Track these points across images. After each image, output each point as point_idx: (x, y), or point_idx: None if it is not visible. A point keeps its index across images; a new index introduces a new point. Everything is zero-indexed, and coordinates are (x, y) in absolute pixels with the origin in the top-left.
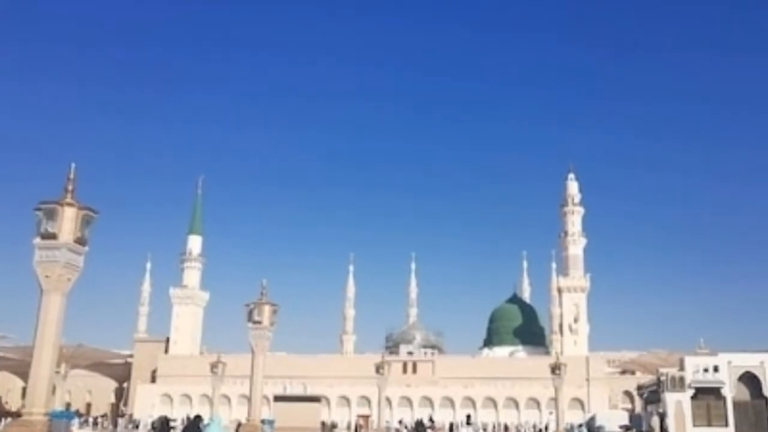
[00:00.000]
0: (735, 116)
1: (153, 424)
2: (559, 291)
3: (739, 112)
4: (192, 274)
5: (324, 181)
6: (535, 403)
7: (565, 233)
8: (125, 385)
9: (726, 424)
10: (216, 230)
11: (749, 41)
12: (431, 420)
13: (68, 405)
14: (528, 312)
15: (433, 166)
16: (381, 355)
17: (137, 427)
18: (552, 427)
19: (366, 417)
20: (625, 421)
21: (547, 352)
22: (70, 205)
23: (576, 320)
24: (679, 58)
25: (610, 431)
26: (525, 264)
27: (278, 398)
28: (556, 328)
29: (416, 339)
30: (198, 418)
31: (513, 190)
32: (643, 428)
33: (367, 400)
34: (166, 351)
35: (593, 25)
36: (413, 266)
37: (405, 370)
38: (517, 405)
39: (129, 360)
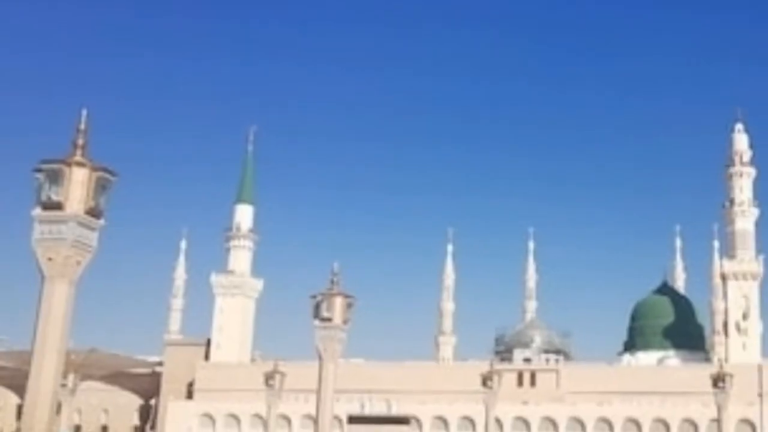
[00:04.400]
0: None
1: None
2: (723, 278)
3: None
4: (240, 256)
5: (413, 133)
6: (692, 425)
7: (731, 202)
8: (153, 401)
9: None
10: (272, 198)
11: None
12: None
13: (78, 428)
14: (682, 306)
15: (557, 115)
16: (489, 363)
17: None
18: None
19: None
20: None
21: (708, 359)
22: (80, 164)
23: (745, 317)
24: None
25: None
26: (678, 243)
27: (354, 419)
28: (719, 327)
29: (535, 342)
30: None
31: (661, 146)
32: None
33: (470, 422)
34: (207, 357)
35: None
36: (531, 246)
37: (521, 383)
38: (668, 428)
39: (158, 369)
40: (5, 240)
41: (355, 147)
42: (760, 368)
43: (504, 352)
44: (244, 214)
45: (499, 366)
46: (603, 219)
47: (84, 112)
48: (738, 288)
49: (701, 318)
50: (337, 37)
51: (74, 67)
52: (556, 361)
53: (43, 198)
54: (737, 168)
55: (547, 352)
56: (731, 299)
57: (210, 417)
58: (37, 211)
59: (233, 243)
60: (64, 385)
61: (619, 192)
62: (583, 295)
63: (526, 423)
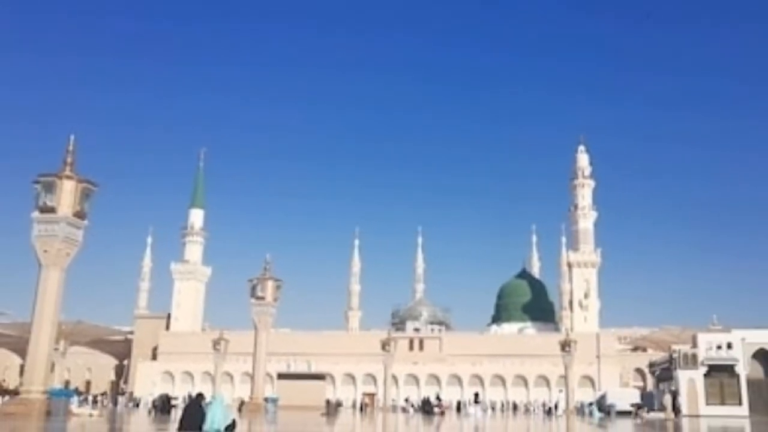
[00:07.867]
0: (752, 87)
1: (154, 402)
2: (569, 266)
3: (756, 82)
4: (194, 249)
5: (329, 154)
6: (545, 380)
7: (575, 207)
8: (125, 362)
9: (740, 403)
10: (218, 204)
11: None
12: (438, 398)
13: (67, 383)
14: (537, 288)
15: (440, 139)
16: (387, 332)
17: (138, 405)
18: (562, 405)
19: (372, 395)
20: (637, 399)
21: (557, 329)
22: (69, 177)
23: (586, 296)
24: (693, 29)
25: (621, 410)
26: (534, 238)
27: (282, 376)
28: (566, 304)
29: (423, 315)
30: (200, 396)
31: (522, 162)
32: (655, 406)
33: (372, 378)
34: (167, 328)
35: None
36: (420, 241)
37: (411, 347)
38: (526, 383)
39: (129, 337)
40: (10, 237)
41: (283, 164)
42: (597, 336)
43: (398, 324)
44: (196, 216)
45: (394, 334)
46: (475, 220)
47: (72, 137)
48: (581, 274)
49: (552, 297)
50: (267, 76)
51: (63, 100)
52: (440, 330)
53: (40, 203)
54: (580, 180)
55: (432, 323)
56: (575, 282)
57: (170, 374)
58: (36, 214)
59: (188, 238)
60: (56, 349)
61: (488, 198)
62: (460, 279)
63: (416, 379)
